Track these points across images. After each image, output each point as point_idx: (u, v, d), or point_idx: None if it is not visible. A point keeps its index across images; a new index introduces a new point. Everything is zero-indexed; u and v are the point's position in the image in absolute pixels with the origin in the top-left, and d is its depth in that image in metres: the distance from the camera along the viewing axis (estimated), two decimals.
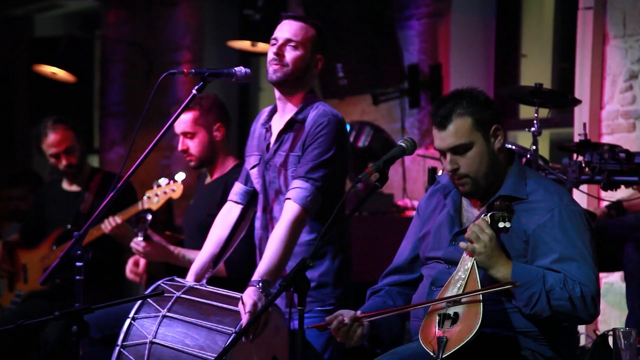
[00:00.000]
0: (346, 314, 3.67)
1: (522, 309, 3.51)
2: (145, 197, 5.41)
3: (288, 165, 4.06)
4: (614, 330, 3.47)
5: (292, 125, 4.09)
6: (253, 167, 4.22)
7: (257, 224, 4.21)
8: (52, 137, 5.94)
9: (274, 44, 4.08)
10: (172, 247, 5.02)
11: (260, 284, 3.82)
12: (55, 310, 3.64)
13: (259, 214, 4.21)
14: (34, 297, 5.95)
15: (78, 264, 3.87)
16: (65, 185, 6.11)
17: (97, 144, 10.30)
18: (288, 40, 4.06)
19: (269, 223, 4.13)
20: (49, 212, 6.09)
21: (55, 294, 5.80)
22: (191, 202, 5.34)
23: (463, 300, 3.43)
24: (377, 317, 3.71)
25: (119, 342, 3.88)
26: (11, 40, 10.70)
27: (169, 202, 5.55)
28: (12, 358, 5.93)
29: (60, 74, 8.36)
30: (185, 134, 5.05)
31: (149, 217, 5.08)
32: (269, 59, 4.07)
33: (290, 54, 4.05)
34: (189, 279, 4.20)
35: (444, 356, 3.32)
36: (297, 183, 3.98)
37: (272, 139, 4.15)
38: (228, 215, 4.32)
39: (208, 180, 5.18)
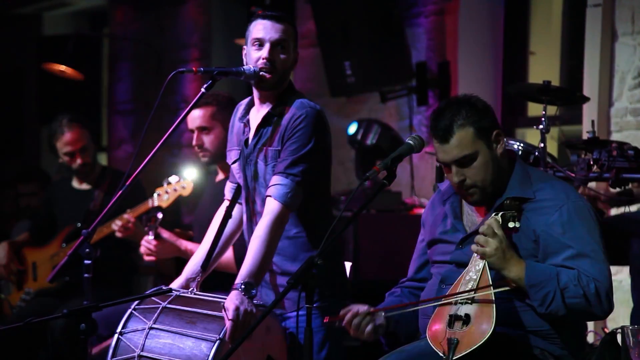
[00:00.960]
0: (359, 309, 3.68)
1: (537, 309, 3.50)
2: (155, 195, 5.41)
3: (268, 160, 4.05)
4: (622, 327, 3.45)
5: (270, 119, 4.06)
6: (234, 162, 4.21)
7: (244, 217, 4.21)
8: (68, 135, 5.94)
9: (260, 47, 4.02)
10: (182, 244, 5.03)
11: (242, 287, 3.81)
12: (64, 308, 3.65)
13: (243, 207, 4.21)
14: (43, 294, 5.96)
15: (86, 261, 3.88)
16: (76, 183, 6.12)
17: (106, 142, 10.32)
18: (276, 43, 4.01)
19: (252, 216, 4.13)
20: (59, 210, 6.10)
21: (64, 292, 5.81)
22: (201, 200, 5.34)
23: (476, 298, 3.42)
24: (391, 312, 3.71)
25: (109, 358, 3.89)
26: (20, 38, 10.72)
27: (177, 201, 5.56)
28: (22, 355, 5.94)
29: (69, 71, 8.38)
30: (201, 129, 5.05)
31: (160, 215, 5.08)
32: (259, 64, 4.00)
33: (279, 57, 4.01)
34: (182, 276, 4.19)
35: (454, 358, 3.31)
36: (276, 179, 3.96)
37: (251, 134, 4.13)
38: (222, 214, 4.32)
39: (219, 177, 5.18)
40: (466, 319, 3.39)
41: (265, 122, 4.07)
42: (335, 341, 4.08)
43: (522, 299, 3.55)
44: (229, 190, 4.33)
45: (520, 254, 3.55)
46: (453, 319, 3.41)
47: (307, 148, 3.98)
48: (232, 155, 4.23)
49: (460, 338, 3.35)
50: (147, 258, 5.13)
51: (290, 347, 4.01)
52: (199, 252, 4.26)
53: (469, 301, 3.43)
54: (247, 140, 4.13)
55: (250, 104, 4.19)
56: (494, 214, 3.55)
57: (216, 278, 4.48)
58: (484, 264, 3.48)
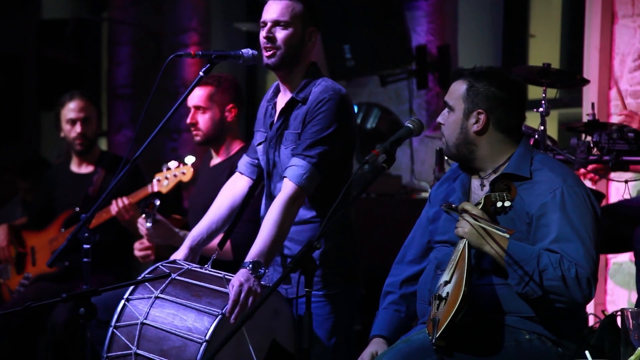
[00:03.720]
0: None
1: (513, 288, 3.50)
2: (155, 180, 5.40)
3: (287, 143, 4.05)
4: (622, 310, 3.45)
5: (294, 104, 4.07)
6: (259, 143, 4.22)
7: (263, 200, 4.21)
8: (77, 102, 5.96)
9: (263, 28, 4.05)
10: (179, 231, 5.01)
11: (250, 265, 3.82)
12: (63, 292, 3.65)
13: (265, 188, 4.22)
14: (42, 279, 5.96)
15: (85, 246, 3.88)
16: (74, 167, 6.11)
17: (105, 126, 10.31)
18: (276, 22, 4.02)
19: (271, 198, 4.13)
20: (57, 194, 6.09)
21: (64, 276, 5.81)
22: (196, 184, 5.32)
23: (454, 276, 3.46)
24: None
25: (113, 323, 3.93)
26: (18, 22, 10.70)
27: (178, 186, 5.55)
28: (21, 340, 5.95)
29: None
30: (197, 108, 5.05)
31: (157, 202, 5.07)
32: (261, 44, 4.04)
33: (280, 35, 4.02)
34: (185, 245, 4.20)
35: (437, 335, 3.37)
36: (294, 161, 3.97)
37: (276, 117, 4.14)
38: (233, 185, 4.33)
39: (213, 162, 5.16)
40: (447, 298, 3.43)
41: (289, 106, 4.08)
42: (345, 329, 4.08)
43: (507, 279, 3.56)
44: (243, 164, 4.34)
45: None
46: (439, 301, 3.46)
47: (328, 131, 3.97)
48: (257, 137, 4.25)
49: (440, 316, 3.40)
50: (140, 254, 5.14)
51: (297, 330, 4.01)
52: (204, 221, 4.26)
53: (448, 280, 3.47)
54: (272, 122, 4.14)
55: (279, 87, 4.20)
56: (483, 196, 3.56)
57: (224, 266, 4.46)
58: (465, 243, 3.50)
